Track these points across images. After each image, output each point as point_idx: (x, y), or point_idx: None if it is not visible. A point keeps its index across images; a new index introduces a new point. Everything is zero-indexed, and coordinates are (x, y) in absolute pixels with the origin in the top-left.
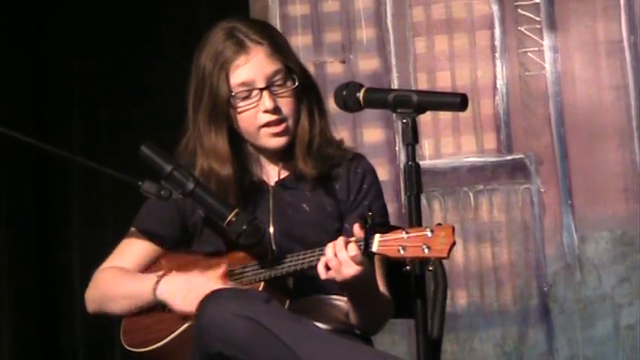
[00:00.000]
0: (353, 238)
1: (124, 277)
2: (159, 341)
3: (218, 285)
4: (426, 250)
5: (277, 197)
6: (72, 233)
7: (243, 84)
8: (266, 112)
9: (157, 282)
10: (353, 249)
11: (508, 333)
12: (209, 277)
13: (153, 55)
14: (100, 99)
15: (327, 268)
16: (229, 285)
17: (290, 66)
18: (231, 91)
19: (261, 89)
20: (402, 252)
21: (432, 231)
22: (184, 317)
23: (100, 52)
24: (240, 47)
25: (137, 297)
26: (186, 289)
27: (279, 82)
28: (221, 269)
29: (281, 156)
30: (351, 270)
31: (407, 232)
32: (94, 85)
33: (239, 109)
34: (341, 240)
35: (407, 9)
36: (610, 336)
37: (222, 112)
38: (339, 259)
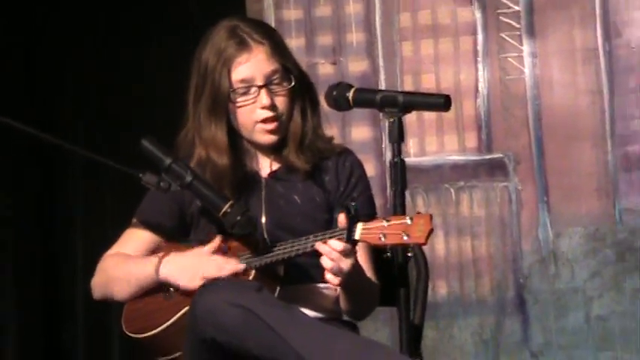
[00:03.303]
0: (338, 229)
1: (127, 261)
2: (156, 327)
3: (214, 257)
4: (405, 237)
5: (270, 188)
6: (75, 226)
7: (243, 80)
8: (263, 108)
9: (159, 262)
10: (338, 243)
11: (485, 322)
12: (204, 251)
13: (150, 56)
14: (97, 98)
15: (333, 273)
16: (225, 257)
17: (288, 66)
18: (231, 87)
19: (260, 87)
20: (383, 239)
21: (411, 219)
22: (182, 297)
23: (98, 52)
24: (243, 45)
25: (141, 279)
26: (189, 266)
27: (276, 81)
28: (214, 243)
29: (274, 149)
30: (346, 265)
31: (387, 221)
32: (91, 85)
33: (238, 104)
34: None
35: (395, 14)
36: (581, 326)
37: (222, 105)
38: (335, 257)
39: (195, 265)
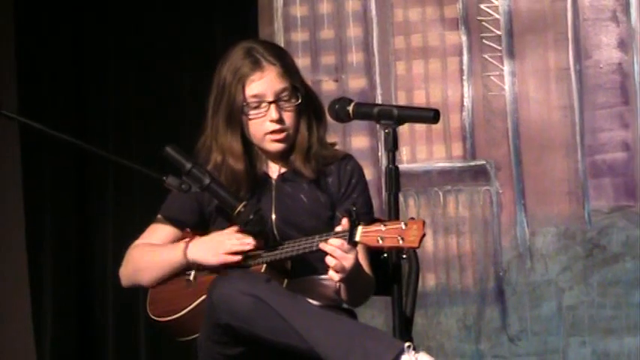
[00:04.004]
0: (339, 229)
1: (154, 249)
2: (178, 312)
3: (234, 235)
4: (401, 241)
5: (279, 189)
6: (106, 223)
7: (255, 96)
8: (272, 121)
9: (186, 246)
10: (338, 240)
11: (469, 310)
12: (226, 232)
13: (175, 77)
14: (129, 111)
15: (336, 270)
16: (243, 235)
17: (296, 85)
18: (245, 101)
19: (270, 102)
20: (380, 242)
21: (405, 224)
22: (200, 286)
23: (130, 71)
24: (257, 65)
25: (169, 263)
26: (212, 246)
27: (285, 98)
28: (234, 227)
29: (282, 156)
30: (348, 262)
31: (385, 225)
32: (125, 99)
33: (250, 117)
34: (337, 241)
35: (390, 37)
36: (554, 315)
37: (237, 117)
38: (338, 256)
39: (218, 243)
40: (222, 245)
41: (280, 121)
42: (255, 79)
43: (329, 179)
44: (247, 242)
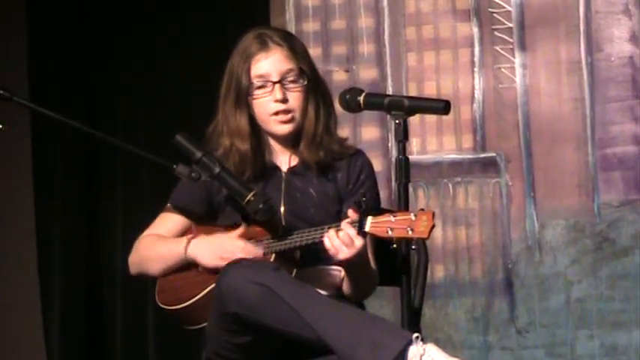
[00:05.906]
0: (349, 220)
1: (160, 241)
2: (186, 301)
3: (238, 242)
4: (410, 232)
5: (288, 182)
6: (116, 210)
7: (260, 76)
8: (276, 101)
9: (188, 243)
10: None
11: (477, 302)
12: (230, 236)
13: (187, 66)
14: (138, 100)
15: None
16: (247, 243)
17: (303, 68)
18: (250, 80)
19: (275, 82)
20: (389, 232)
21: (415, 215)
22: (209, 275)
23: (140, 64)
24: (263, 45)
25: (171, 257)
26: (212, 247)
27: (291, 79)
28: (240, 230)
29: (292, 145)
30: (351, 250)
31: (394, 216)
32: (137, 88)
33: (255, 97)
34: (344, 224)
35: (401, 28)
36: (562, 307)
37: (244, 98)
38: (341, 239)
39: (218, 247)
40: (223, 249)
41: (284, 101)
42: (260, 58)
43: (338, 174)
44: (250, 251)
